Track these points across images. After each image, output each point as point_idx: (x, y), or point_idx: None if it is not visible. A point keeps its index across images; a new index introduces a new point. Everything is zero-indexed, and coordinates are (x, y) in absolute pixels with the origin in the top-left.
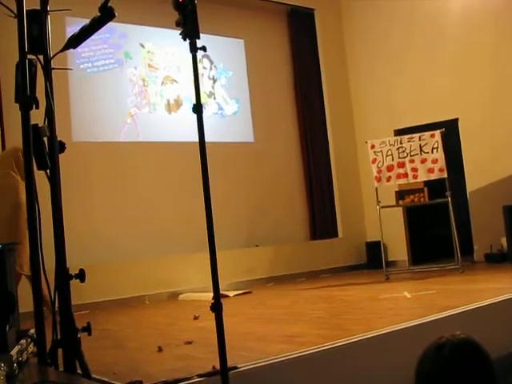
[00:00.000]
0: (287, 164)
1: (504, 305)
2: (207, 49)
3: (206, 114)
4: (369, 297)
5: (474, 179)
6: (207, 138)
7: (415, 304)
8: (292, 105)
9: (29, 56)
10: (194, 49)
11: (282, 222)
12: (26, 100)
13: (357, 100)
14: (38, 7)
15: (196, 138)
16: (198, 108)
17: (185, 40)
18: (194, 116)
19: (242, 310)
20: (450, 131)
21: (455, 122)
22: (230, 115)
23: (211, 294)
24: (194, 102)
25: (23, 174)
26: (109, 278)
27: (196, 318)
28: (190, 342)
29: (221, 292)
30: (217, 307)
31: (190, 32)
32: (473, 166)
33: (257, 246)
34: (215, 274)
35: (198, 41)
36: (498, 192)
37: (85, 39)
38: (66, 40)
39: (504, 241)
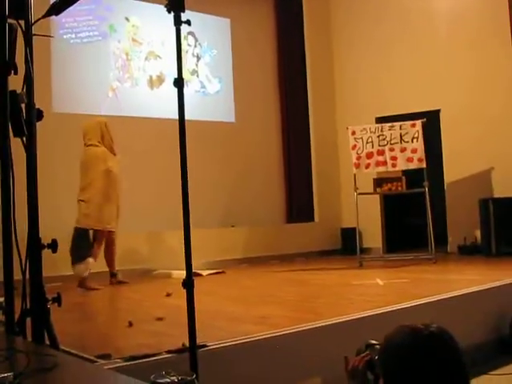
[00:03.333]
0: (266, 145)
1: (474, 296)
2: (192, 25)
3: (188, 91)
4: (341, 282)
5: (452, 171)
6: (188, 116)
7: (387, 291)
8: (275, 87)
9: (9, 20)
10: (178, 22)
11: (258, 203)
12: (3, 64)
13: (340, 85)
14: None
15: (177, 116)
16: (178, 82)
17: (169, 13)
18: (176, 93)
19: (215, 290)
20: (431, 122)
21: (437, 113)
22: (212, 94)
23: (184, 272)
24: (175, 76)
25: (108, 145)
26: None
27: (168, 294)
28: (161, 319)
29: (194, 270)
30: (189, 284)
31: (175, 4)
32: (452, 157)
33: (232, 226)
34: (188, 251)
35: (182, 14)
36: (475, 185)
37: (68, 6)
38: (49, 6)
39: (478, 233)
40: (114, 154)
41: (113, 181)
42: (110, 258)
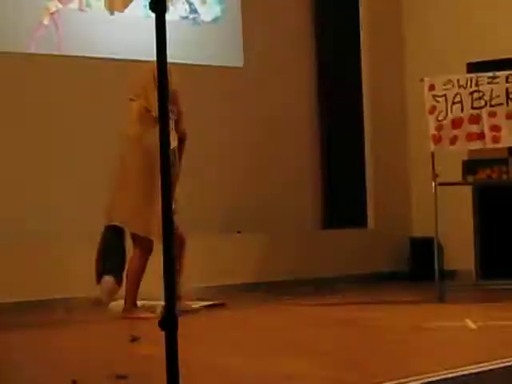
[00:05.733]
0: (293, 106)
1: None
2: None
3: (171, 17)
4: (409, 324)
5: None
6: (171, 57)
7: (483, 339)
8: (306, 14)
9: None
10: None
11: (280, 198)
12: None
13: (410, 14)
14: None
15: (153, 56)
16: (156, 2)
17: None
18: (151, 19)
19: (210, 332)
20: None
21: None
22: (208, 22)
23: (160, 304)
24: None
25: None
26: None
27: (135, 339)
28: (123, 377)
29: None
30: (169, 324)
31: None
32: None
33: (239, 232)
34: (170, 272)
35: None
36: None
37: None
38: None
39: None
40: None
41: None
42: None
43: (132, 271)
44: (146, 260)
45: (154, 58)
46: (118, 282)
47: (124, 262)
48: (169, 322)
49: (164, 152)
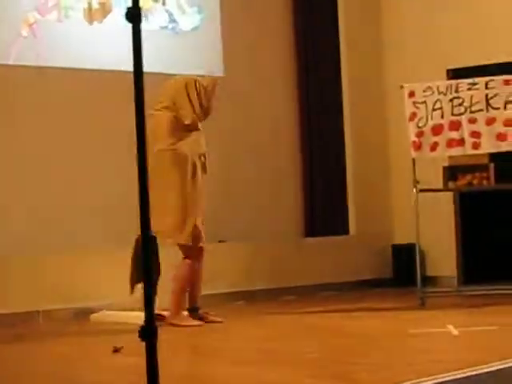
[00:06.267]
0: (275, 114)
1: None
2: None
3: (150, 27)
4: (393, 331)
5: None
6: (150, 67)
7: (465, 345)
8: (288, 23)
9: None
10: None
11: (262, 207)
12: None
13: (389, 22)
14: None
15: (130, 66)
16: (133, 12)
17: None
18: (129, 29)
19: (192, 342)
20: None
21: None
22: (187, 31)
23: (142, 315)
24: (129, 4)
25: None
26: None
27: (117, 350)
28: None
29: (157, 311)
30: (149, 334)
31: None
32: None
33: (221, 241)
34: (149, 282)
35: None
36: None
37: None
38: None
39: None
40: (196, 129)
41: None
42: (194, 284)
43: (180, 278)
44: (196, 267)
45: (130, 68)
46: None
47: (158, 271)
48: (148, 332)
49: (141, 157)
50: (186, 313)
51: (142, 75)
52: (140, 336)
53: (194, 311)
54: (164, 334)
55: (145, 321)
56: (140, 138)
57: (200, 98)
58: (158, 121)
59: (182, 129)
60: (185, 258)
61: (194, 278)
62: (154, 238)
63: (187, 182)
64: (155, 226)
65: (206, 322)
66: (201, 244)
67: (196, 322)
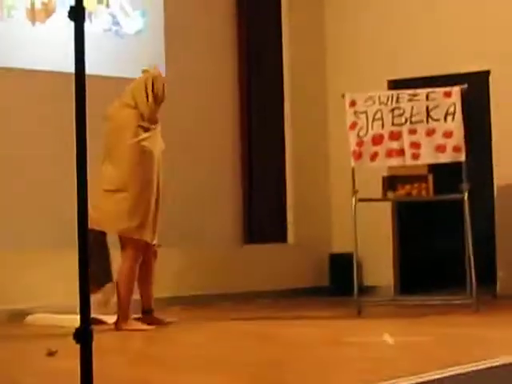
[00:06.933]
0: (215, 119)
1: None
2: None
3: (93, 30)
4: (328, 339)
5: (507, 166)
6: (92, 68)
7: (400, 354)
8: (231, 27)
9: None
10: None
11: (200, 213)
12: None
13: (333, 31)
14: None
15: (73, 69)
16: (76, 13)
17: None
18: (72, 31)
19: (127, 346)
20: (474, 89)
21: (484, 75)
22: (130, 35)
23: (77, 317)
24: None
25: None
26: None
27: (52, 353)
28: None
29: (93, 315)
30: (84, 336)
31: None
32: (508, 146)
33: (158, 246)
34: (85, 284)
35: None
36: None
37: None
38: None
39: None
40: (155, 123)
41: (150, 162)
42: (146, 286)
43: (123, 279)
44: (137, 264)
45: (73, 70)
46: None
47: (107, 274)
48: (83, 334)
49: (81, 152)
50: (134, 316)
51: (83, 73)
52: (75, 338)
53: (146, 313)
54: (101, 339)
55: (80, 323)
56: (80, 138)
57: (155, 88)
58: (121, 117)
59: (144, 124)
60: (125, 250)
61: (145, 277)
62: (102, 238)
63: (152, 177)
64: (101, 217)
65: (160, 325)
66: (151, 241)
67: (144, 327)
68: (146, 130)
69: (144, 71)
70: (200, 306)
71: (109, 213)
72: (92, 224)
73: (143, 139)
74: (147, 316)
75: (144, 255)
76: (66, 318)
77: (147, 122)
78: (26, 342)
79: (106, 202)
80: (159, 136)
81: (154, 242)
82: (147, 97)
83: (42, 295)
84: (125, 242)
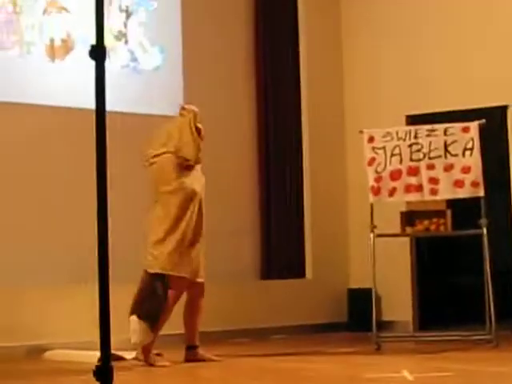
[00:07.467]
0: (234, 159)
1: None
2: None
3: (111, 66)
4: (347, 375)
5: None
6: (111, 105)
7: None
8: (250, 64)
9: None
10: None
11: (218, 248)
12: None
13: (351, 69)
14: None
15: (93, 104)
16: (97, 51)
17: None
18: (92, 67)
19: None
20: (492, 124)
21: (502, 110)
22: (149, 71)
23: (96, 354)
24: (92, 42)
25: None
26: None
27: None
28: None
29: (113, 351)
30: (105, 374)
31: None
32: None
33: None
34: (106, 320)
35: None
36: None
37: None
38: None
39: None
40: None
41: (194, 202)
42: (192, 321)
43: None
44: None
45: (93, 106)
46: (152, 328)
47: (161, 309)
48: (104, 373)
49: (101, 195)
50: (155, 351)
51: (104, 113)
52: (95, 376)
53: (191, 349)
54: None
55: (100, 360)
56: (100, 176)
57: (198, 128)
58: (161, 164)
59: (187, 168)
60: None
61: (190, 313)
62: (160, 277)
63: (193, 217)
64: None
65: (200, 361)
66: (197, 279)
67: (164, 363)
68: (189, 169)
69: (182, 110)
70: (218, 341)
71: (159, 254)
72: (144, 266)
73: (185, 180)
74: (190, 352)
75: (190, 292)
76: (85, 354)
77: (193, 162)
78: (44, 379)
79: (155, 245)
80: (200, 172)
81: (200, 279)
82: (193, 137)
83: (61, 331)
84: (171, 281)
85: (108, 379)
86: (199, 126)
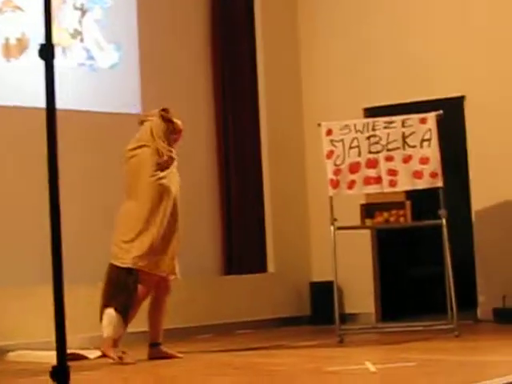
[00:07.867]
0: (193, 153)
1: None
2: None
3: (68, 64)
4: (310, 368)
5: (485, 192)
6: (67, 104)
7: (383, 382)
8: (206, 60)
9: None
10: None
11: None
12: None
13: (309, 62)
14: None
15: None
16: (47, 50)
17: None
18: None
19: (108, 381)
20: (450, 115)
21: (459, 101)
22: (105, 69)
23: (55, 354)
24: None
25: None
26: None
27: None
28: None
29: (74, 350)
30: (61, 375)
31: None
32: (484, 171)
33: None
34: (61, 320)
35: None
36: None
37: None
38: None
39: None
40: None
41: (168, 199)
42: (157, 319)
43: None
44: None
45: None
46: (124, 321)
47: (131, 303)
48: (60, 373)
49: (53, 195)
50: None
51: (54, 112)
52: (51, 377)
53: (154, 346)
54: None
55: (57, 361)
56: (51, 173)
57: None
58: (141, 157)
59: (163, 163)
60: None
61: (155, 311)
62: (131, 272)
63: (167, 214)
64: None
65: (164, 358)
66: (169, 275)
67: (129, 360)
68: (164, 168)
69: (145, 118)
70: (176, 337)
71: (131, 248)
72: (113, 259)
73: (161, 177)
74: (154, 349)
75: (156, 288)
76: (47, 354)
77: (167, 157)
78: (3, 379)
79: (128, 239)
80: (176, 172)
81: (173, 276)
82: (165, 136)
83: (25, 332)
84: (142, 276)
85: (64, 380)
86: (176, 120)
